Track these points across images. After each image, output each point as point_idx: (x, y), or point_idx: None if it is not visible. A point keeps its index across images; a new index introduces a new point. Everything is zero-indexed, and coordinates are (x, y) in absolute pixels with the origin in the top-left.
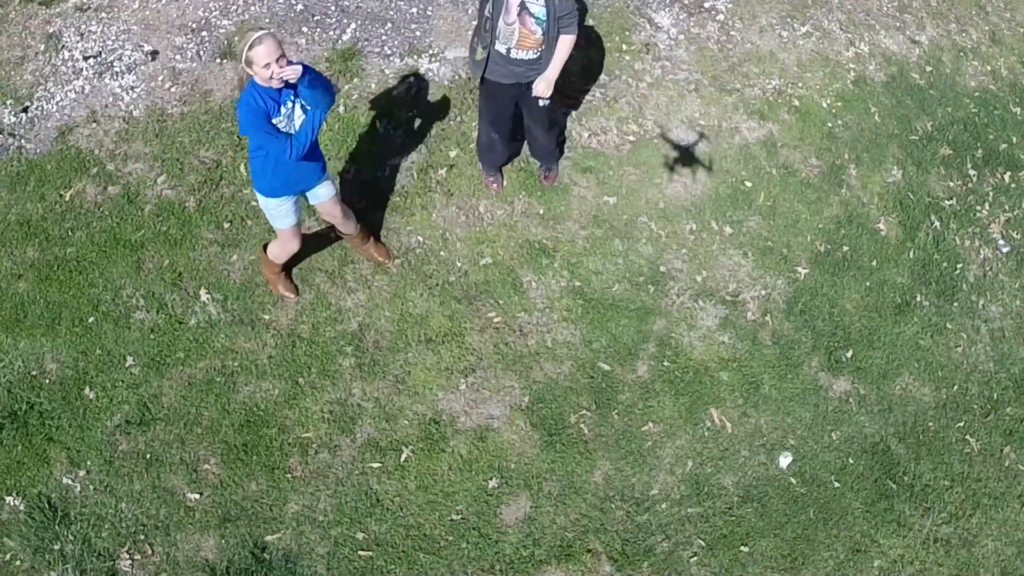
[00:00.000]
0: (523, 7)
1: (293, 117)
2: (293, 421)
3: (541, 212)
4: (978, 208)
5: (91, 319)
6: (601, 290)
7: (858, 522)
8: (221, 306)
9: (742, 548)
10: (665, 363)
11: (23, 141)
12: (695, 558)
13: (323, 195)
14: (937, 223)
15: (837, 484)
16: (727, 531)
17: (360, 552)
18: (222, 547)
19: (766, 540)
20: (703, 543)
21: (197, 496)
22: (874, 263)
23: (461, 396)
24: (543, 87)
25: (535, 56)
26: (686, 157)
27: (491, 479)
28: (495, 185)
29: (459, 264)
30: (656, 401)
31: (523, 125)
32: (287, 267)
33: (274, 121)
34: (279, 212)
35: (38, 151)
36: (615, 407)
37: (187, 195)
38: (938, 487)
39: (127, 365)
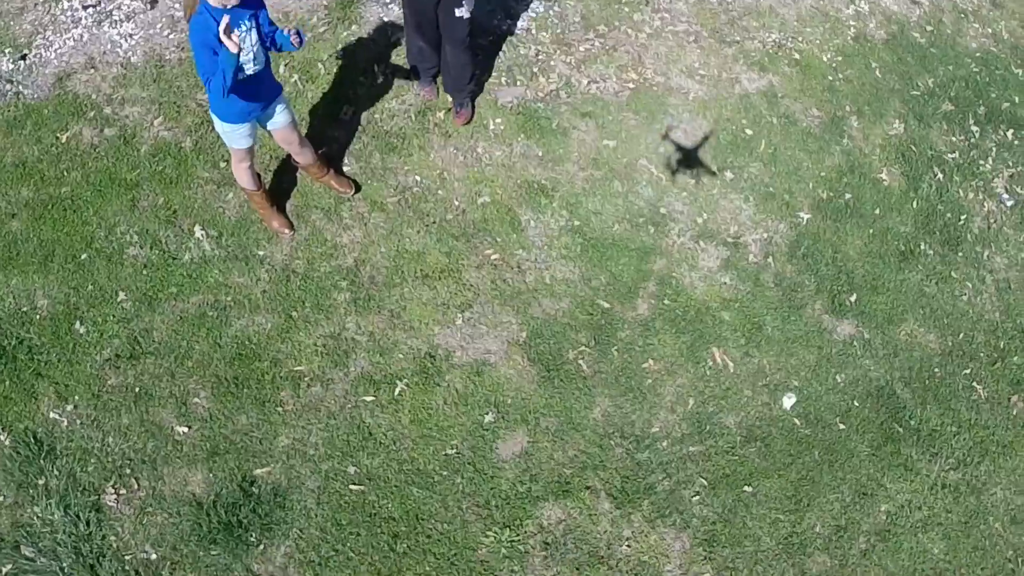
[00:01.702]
0: None
1: (247, 42)
2: (286, 355)
3: (540, 154)
4: (981, 163)
5: (84, 256)
6: (600, 230)
7: (864, 465)
8: (215, 242)
9: (745, 488)
10: (666, 301)
11: (21, 87)
12: (697, 497)
13: (280, 122)
14: (940, 175)
15: (842, 426)
16: (730, 471)
17: (351, 486)
18: (210, 481)
19: (770, 481)
20: (705, 482)
21: (185, 429)
22: (877, 211)
23: (457, 331)
24: None
25: None
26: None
27: (487, 414)
28: (428, 94)
29: (456, 203)
30: (656, 339)
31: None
32: (279, 203)
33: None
34: (235, 135)
35: (36, 96)
36: (614, 344)
37: (183, 136)
38: (945, 433)
39: (119, 300)
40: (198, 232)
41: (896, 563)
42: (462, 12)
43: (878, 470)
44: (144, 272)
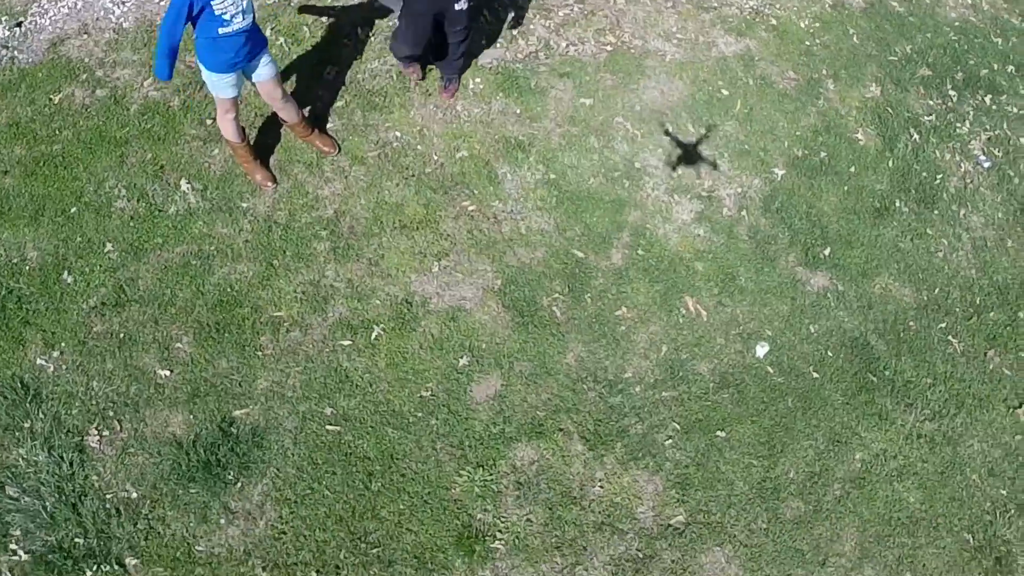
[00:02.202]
0: None
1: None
2: (266, 301)
3: (518, 112)
4: (958, 125)
5: (73, 209)
6: (576, 183)
7: (838, 413)
8: (201, 195)
9: (718, 433)
10: (639, 252)
11: (16, 52)
12: (670, 441)
13: (264, 74)
14: (916, 136)
15: (816, 375)
16: (703, 416)
17: (328, 427)
18: (190, 422)
19: (743, 426)
20: (678, 426)
21: (167, 373)
22: (852, 169)
23: (434, 278)
24: None
25: None
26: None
27: (462, 357)
28: (415, 74)
29: (435, 157)
30: (630, 287)
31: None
32: (263, 157)
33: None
34: (221, 84)
35: (30, 61)
36: (588, 291)
37: (172, 96)
38: (920, 384)
39: (106, 251)
40: (184, 186)
41: (871, 510)
42: (462, 4)
43: (852, 419)
44: (131, 224)
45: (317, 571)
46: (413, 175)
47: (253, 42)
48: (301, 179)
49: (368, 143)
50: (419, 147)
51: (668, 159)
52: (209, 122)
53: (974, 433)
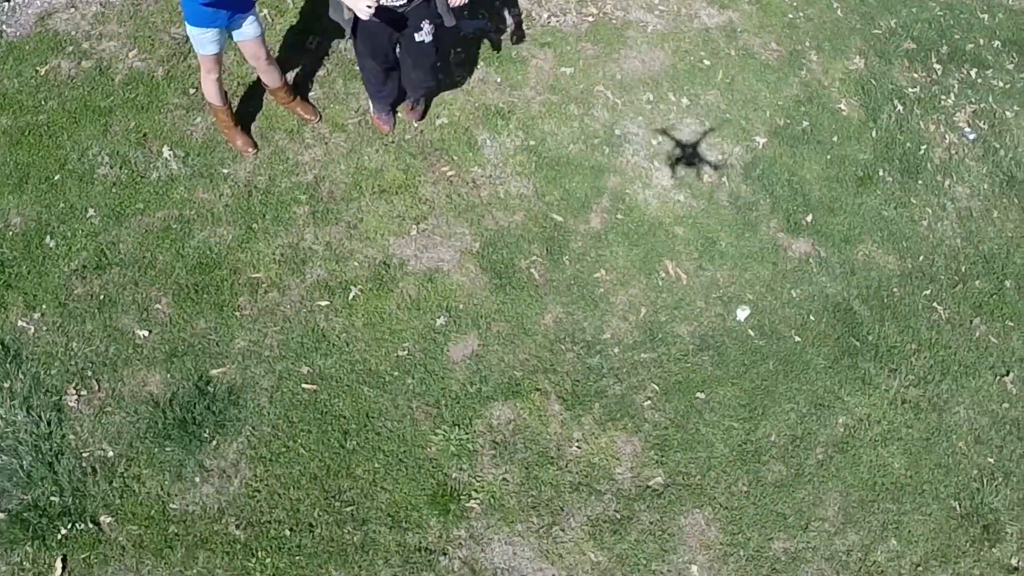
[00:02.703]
0: None
1: None
2: (245, 263)
3: (498, 80)
4: (943, 98)
5: (57, 177)
6: (555, 149)
7: (821, 377)
8: (182, 162)
9: (698, 395)
10: (619, 216)
11: (4, 27)
12: (649, 402)
13: (248, 33)
14: (900, 107)
15: (798, 339)
16: (682, 377)
17: (304, 385)
18: (167, 381)
19: (723, 388)
20: (657, 388)
21: (146, 333)
22: (835, 139)
23: (412, 241)
24: None
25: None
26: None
27: (439, 318)
28: (386, 126)
29: (415, 124)
30: (609, 251)
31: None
32: (245, 124)
33: None
34: (203, 40)
35: (17, 35)
36: (567, 254)
37: (156, 66)
38: (905, 350)
39: (88, 216)
40: (166, 152)
41: (855, 475)
42: (423, 36)
43: (835, 383)
44: (113, 190)
45: (291, 529)
46: (392, 141)
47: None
48: (282, 145)
49: (349, 111)
50: (399, 114)
51: (649, 124)
52: (192, 91)
53: (960, 400)
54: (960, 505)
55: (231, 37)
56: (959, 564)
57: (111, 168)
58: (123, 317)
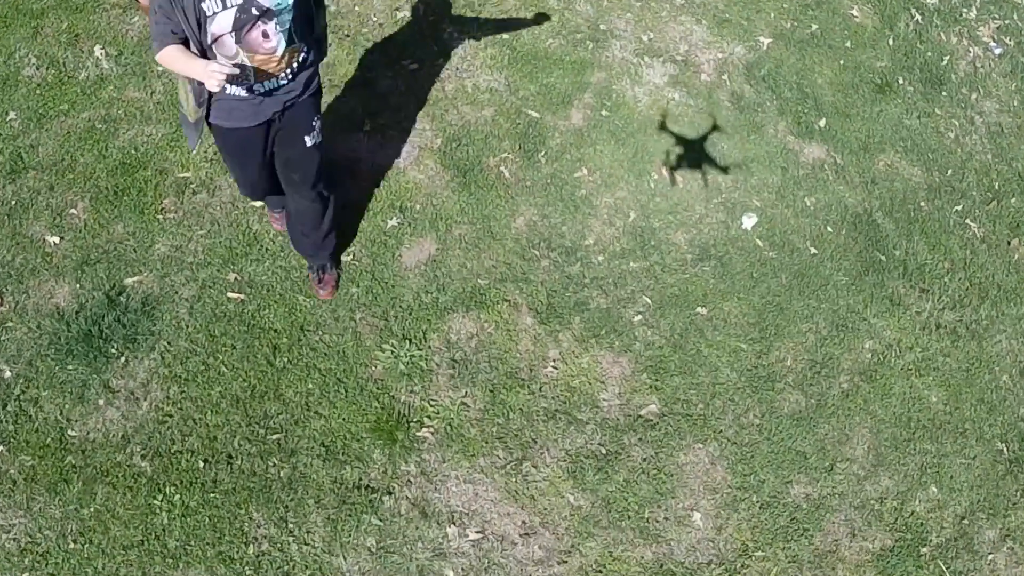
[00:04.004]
0: (250, 21)
1: None
2: (173, 163)
3: None
4: (964, 10)
5: None
6: (532, 43)
7: (842, 295)
8: (115, 61)
9: (699, 310)
10: (604, 112)
11: None
12: (639, 318)
13: None
14: (919, 16)
15: (814, 251)
16: (679, 290)
17: (230, 294)
18: (76, 292)
19: (728, 304)
20: (649, 301)
21: (57, 240)
22: (848, 44)
23: (364, 137)
24: None
25: (287, 79)
26: None
27: (391, 219)
28: (279, 224)
29: (374, 18)
30: (592, 149)
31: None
32: None
33: None
34: None
35: None
36: (543, 151)
37: None
38: (937, 269)
39: (8, 119)
40: (98, 51)
41: (886, 409)
42: (313, 140)
43: (859, 302)
44: (37, 92)
45: (205, 460)
46: (347, 36)
47: None
48: None
49: None
50: (357, 8)
51: (639, 21)
52: None
53: (1001, 328)
54: (1007, 448)
55: None
56: (1009, 518)
57: (38, 69)
58: (34, 224)
